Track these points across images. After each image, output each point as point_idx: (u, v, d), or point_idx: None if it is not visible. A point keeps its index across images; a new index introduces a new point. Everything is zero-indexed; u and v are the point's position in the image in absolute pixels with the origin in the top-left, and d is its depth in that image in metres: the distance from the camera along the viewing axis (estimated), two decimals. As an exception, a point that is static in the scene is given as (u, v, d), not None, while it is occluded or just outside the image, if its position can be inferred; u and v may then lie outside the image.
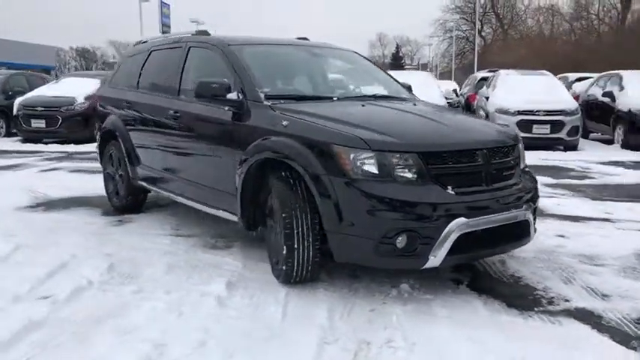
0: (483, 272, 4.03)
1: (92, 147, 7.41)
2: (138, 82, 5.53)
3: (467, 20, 51.19)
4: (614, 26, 38.88)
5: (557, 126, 11.81)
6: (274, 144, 3.69)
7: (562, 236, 4.88)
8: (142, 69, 5.52)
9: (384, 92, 4.75)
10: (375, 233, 3.25)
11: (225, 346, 2.85)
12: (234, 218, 4.16)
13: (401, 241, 3.23)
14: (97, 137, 6.10)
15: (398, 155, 3.31)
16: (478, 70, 29.13)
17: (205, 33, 5.02)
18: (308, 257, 3.52)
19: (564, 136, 11.90)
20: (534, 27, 45.17)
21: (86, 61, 68.72)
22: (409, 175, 3.31)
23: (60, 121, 12.65)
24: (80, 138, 12.42)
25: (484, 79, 17.15)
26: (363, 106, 4.12)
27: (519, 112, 11.88)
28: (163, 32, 22.57)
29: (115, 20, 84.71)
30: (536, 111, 11.82)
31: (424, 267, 3.32)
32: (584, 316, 3.26)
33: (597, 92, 13.54)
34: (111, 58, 62.89)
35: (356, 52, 5.47)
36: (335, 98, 4.36)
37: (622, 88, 12.52)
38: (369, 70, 5.30)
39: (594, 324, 3.15)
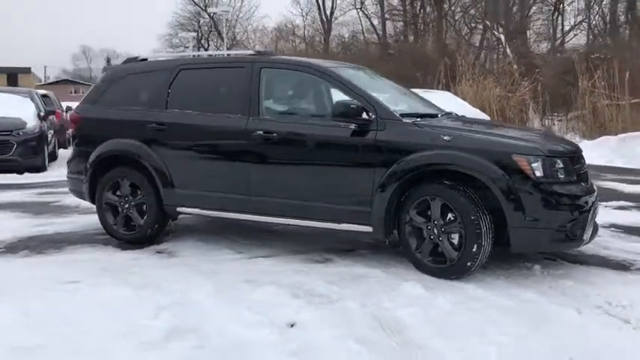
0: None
1: (53, 176, 6.37)
2: (166, 102, 5.17)
3: (194, 38, 52.06)
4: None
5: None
6: (444, 157, 4.16)
7: None
8: (169, 88, 5.18)
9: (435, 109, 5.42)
10: (554, 224, 4.03)
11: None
12: (362, 229, 4.46)
13: (570, 229, 4.08)
14: (90, 164, 5.39)
15: (560, 160, 4.15)
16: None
17: (270, 54, 5.06)
18: (487, 251, 4.11)
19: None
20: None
21: None
22: (568, 175, 4.18)
23: (15, 147, 10.61)
24: (32, 166, 10.84)
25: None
26: (468, 122, 4.82)
27: None
28: None
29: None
30: None
31: (580, 246, 4.22)
32: None
33: None
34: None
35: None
36: (439, 115, 4.93)
37: None
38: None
39: None
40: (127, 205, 5.29)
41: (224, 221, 6.11)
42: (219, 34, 54.23)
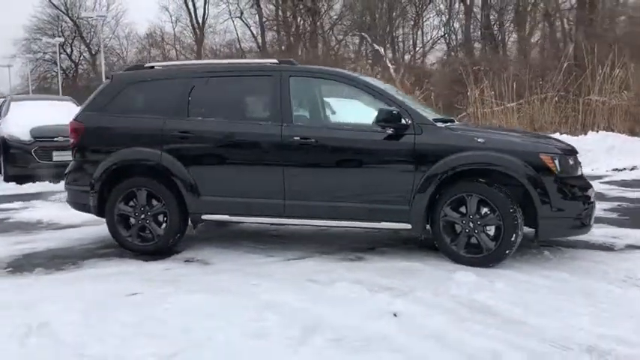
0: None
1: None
2: (187, 109, 5.15)
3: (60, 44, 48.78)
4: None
5: None
6: (483, 157, 4.63)
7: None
8: (189, 96, 5.16)
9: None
10: (573, 214, 4.66)
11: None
12: (401, 227, 4.83)
13: (584, 217, 4.73)
14: (100, 175, 5.20)
15: (570, 157, 4.79)
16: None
17: (291, 62, 5.23)
18: (520, 240, 4.65)
19: None
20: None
21: None
22: (576, 170, 4.83)
23: None
24: None
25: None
26: (483, 127, 5.35)
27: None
28: None
29: None
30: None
31: (588, 233, 4.89)
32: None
33: None
34: None
35: None
36: (454, 120, 5.40)
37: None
38: None
39: None
40: (142, 216, 5.19)
41: (227, 228, 6.18)
42: (83, 39, 51.57)
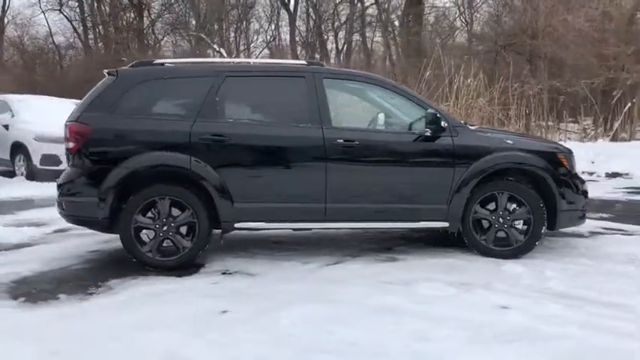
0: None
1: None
2: (216, 111, 4.80)
3: None
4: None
5: None
6: (517, 157, 5.02)
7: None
8: (216, 96, 4.81)
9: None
10: (580, 206, 5.26)
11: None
12: (438, 225, 5.05)
13: (585, 209, 5.36)
14: (114, 184, 4.61)
15: (572, 156, 5.39)
16: None
17: (319, 64, 5.12)
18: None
19: None
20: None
21: None
22: (575, 168, 5.45)
23: None
24: None
25: None
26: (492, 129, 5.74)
27: None
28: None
29: None
30: None
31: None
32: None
33: None
34: None
35: None
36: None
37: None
38: None
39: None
40: (165, 228, 4.72)
41: (234, 236, 5.84)
42: None
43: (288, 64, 5.23)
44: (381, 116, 5.04)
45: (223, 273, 4.70)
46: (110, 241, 5.76)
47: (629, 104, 14.85)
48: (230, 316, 3.69)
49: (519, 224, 5.10)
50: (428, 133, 4.95)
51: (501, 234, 5.10)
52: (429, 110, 4.94)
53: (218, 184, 4.72)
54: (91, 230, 5.12)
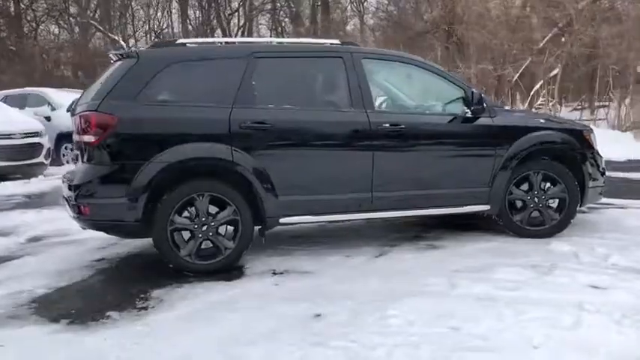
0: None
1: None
2: (254, 96, 4.35)
3: None
4: None
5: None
6: (553, 136, 5.01)
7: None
8: (252, 80, 4.35)
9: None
10: (601, 182, 5.35)
11: None
12: (481, 209, 4.93)
13: (604, 185, 5.47)
14: (149, 181, 4.04)
15: (593, 135, 5.48)
16: None
17: (353, 43, 4.79)
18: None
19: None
20: None
21: None
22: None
23: None
24: None
25: None
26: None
27: None
28: None
29: None
30: None
31: (600, 200, 5.66)
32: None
33: None
34: None
35: None
36: None
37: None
38: None
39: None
40: (204, 228, 4.23)
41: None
42: None
43: (323, 45, 4.83)
44: (423, 97, 4.83)
45: (274, 273, 4.28)
46: (107, 247, 5.14)
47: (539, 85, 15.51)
48: (329, 319, 3.33)
49: (554, 203, 5.10)
50: (468, 114, 4.80)
51: (535, 214, 5.08)
52: (473, 90, 4.78)
53: (263, 178, 4.28)
54: (112, 236, 4.50)
